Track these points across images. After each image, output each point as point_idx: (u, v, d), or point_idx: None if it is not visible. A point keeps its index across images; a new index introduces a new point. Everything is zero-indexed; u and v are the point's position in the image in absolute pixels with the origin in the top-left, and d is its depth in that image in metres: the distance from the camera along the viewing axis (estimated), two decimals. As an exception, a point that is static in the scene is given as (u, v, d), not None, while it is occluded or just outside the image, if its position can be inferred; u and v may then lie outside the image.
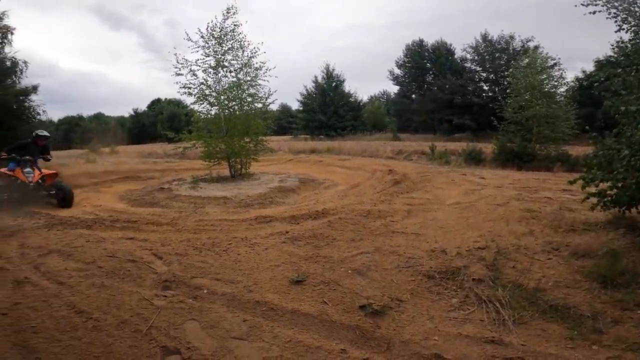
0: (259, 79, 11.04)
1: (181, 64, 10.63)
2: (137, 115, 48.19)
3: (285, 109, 47.02)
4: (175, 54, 10.62)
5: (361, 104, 40.53)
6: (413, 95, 38.80)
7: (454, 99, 30.82)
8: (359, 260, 3.88)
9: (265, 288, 3.46)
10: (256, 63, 10.96)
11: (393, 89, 44.57)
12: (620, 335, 2.42)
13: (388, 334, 2.72)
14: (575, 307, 2.79)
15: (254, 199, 7.54)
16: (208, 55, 10.77)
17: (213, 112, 11.17)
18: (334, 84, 37.42)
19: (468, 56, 34.08)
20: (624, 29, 4.39)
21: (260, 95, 11.26)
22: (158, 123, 40.73)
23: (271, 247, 4.35)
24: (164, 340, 2.58)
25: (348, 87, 39.17)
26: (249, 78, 11.02)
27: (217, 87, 10.94)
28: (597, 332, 2.47)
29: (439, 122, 32.84)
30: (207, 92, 10.90)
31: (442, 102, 32.07)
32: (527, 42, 29.92)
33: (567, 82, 15.61)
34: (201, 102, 11.00)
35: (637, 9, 4.20)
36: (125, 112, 61.64)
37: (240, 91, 10.90)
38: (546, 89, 13.95)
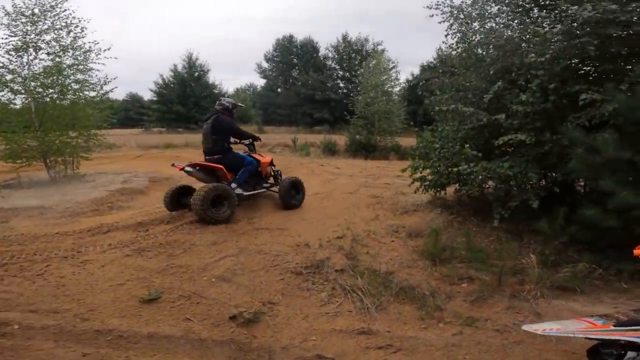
0: (92, 62, 9.06)
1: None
2: None
3: (135, 98, 41.15)
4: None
5: (226, 95, 38.84)
6: (279, 89, 39.63)
7: (314, 94, 32.93)
8: (223, 266, 3.55)
9: (107, 313, 2.82)
10: (86, 44, 8.97)
11: (260, 82, 44.63)
12: (455, 311, 2.89)
13: (266, 343, 2.56)
14: (417, 286, 3.21)
15: (86, 206, 6.08)
16: (15, 35, 8.27)
17: (18, 102, 8.60)
18: (197, 74, 34.67)
19: (330, 54, 37.01)
20: (449, 35, 5.12)
21: (93, 81, 9.27)
22: None
23: (110, 263, 3.54)
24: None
25: (213, 78, 37.12)
26: (75, 61, 8.91)
27: (25, 72, 8.46)
28: (438, 310, 2.89)
29: (302, 116, 34.57)
30: (8, 77, 8.31)
31: (305, 97, 33.98)
32: (377, 45, 33.87)
33: (400, 83, 18.93)
34: (-1, 89, 8.31)
35: (462, 16, 4.90)
36: None
37: (61, 77, 8.68)
38: (386, 88, 16.28)
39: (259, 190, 5.54)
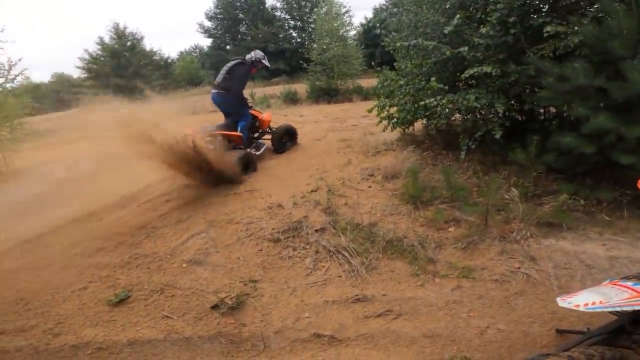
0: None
1: None
2: None
3: (63, 78, 37.27)
4: None
5: (169, 60, 35.80)
6: (228, 47, 36.66)
7: (267, 46, 30.92)
8: (193, 246, 3.14)
9: (78, 324, 2.43)
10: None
11: (206, 42, 40.99)
12: (448, 261, 2.65)
13: (257, 329, 2.26)
14: (404, 237, 2.95)
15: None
16: None
17: None
18: (129, 43, 31.20)
19: (278, 5, 34.52)
20: None
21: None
22: None
23: (66, 267, 3.06)
24: None
25: (150, 45, 34.54)
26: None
27: None
28: (431, 262, 2.65)
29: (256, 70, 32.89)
30: None
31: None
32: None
33: (355, 27, 17.64)
34: None
35: None
36: None
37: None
38: (340, 33, 15.38)
39: (264, 148, 5.69)
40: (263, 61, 5.49)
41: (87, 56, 30.18)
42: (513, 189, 3.13)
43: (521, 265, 2.53)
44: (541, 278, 2.41)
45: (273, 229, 3.28)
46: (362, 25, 27.44)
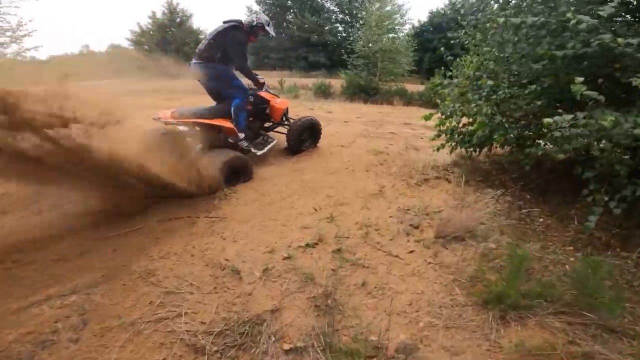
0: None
1: None
2: None
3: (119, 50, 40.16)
4: None
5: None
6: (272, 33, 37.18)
7: (310, 37, 30.44)
8: (30, 321, 1.51)
9: None
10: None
11: None
12: None
13: None
14: None
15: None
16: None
17: None
18: (178, 19, 31.96)
19: None
20: None
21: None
22: None
23: None
24: None
25: (197, 23, 34.87)
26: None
27: None
28: None
29: (296, 60, 31.98)
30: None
31: (300, 40, 31.32)
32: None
33: (409, 23, 17.31)
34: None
35: None
36: None
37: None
38: (391, 27, 14.01)
39: (271, 145, 4.28)
40: (267, 28, 4.05)
41: (138, 29, 31.52)
42: None
43: None
44: None
45: (203, 322, 1.61)
46: (413, 27, 25.86)
